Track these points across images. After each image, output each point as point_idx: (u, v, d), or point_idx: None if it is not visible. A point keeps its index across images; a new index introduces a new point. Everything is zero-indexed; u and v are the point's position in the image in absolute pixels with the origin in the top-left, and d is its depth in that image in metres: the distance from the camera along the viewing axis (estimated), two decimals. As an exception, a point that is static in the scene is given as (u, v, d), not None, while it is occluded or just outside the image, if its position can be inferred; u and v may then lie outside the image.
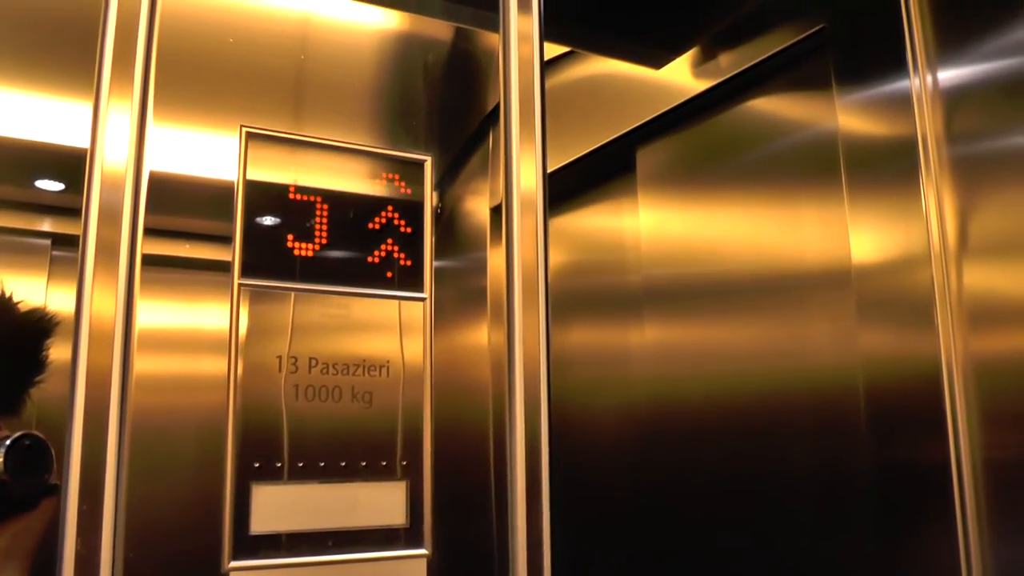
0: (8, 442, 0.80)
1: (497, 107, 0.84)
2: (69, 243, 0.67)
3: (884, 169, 0.90)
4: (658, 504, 1.20)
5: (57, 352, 0.87)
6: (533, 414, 0.77)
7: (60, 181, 0.86)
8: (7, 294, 0.86)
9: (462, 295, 1.08)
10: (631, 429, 1.26)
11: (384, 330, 0.94)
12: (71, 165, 0.79)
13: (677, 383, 1.19)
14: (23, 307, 0.86)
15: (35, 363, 0.86)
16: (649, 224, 1.26)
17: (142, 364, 0.75)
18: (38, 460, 0.81)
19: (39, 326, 0.86)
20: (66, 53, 0.86)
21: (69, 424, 0.58)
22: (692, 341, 1.18)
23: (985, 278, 0.82)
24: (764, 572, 1.03)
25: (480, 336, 1.11)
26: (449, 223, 1.06)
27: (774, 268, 1.06)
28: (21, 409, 0.85)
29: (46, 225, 0.87)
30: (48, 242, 0.86)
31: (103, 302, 0.61)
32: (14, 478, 0.80)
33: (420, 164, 0.99)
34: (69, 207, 0.86)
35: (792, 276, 1.04)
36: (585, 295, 1.42)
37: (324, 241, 0.91)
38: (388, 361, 0.93)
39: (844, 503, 0.93)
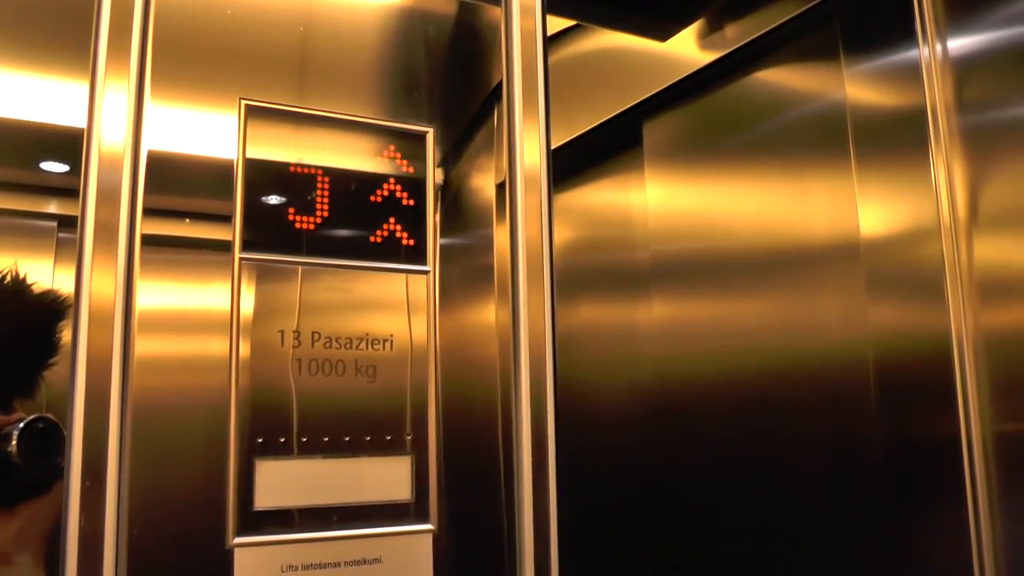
0: (22, 425, 0.81)
1: (501, 82, 0.84)
2: (75, 225, 0.68)
3: (893, 141, 0.89)
4: (665, 481, 1.20)
5: (67, 334, 0.87)
6: (539, 391, 0.77)
7: (65, 163, 0.86)
8: (21, 276, 0.86)
9: (468, 272, 1.08)
10: (638, 406, 1.26)
11: (387, 304, 0.93)
12: (75, 146, 0.79)
13: (685, 360, 1.19)
14: (36, 289, 0.87)
15: (49, 345, 0.86)
16: (656, 199, 1.25)
17: (143, 341, 0.76)
18: (51, 443, 0.81)
19: (52, 308, 0.87)
20: (70, 31, 0.86)
21: (71, 403, 0.59)
22: (700, 317, 1.18)
23: (996, 250, 0.81)
24: (773, 549, 1.03)
25: (487, 313, 1.10)
26: (454, 199, 1.05)
27: (782, 242, 1.05)
28: (36, 391, 0.85)
29: (52, 207, 0.87)
30: (54, 224, 0.87)
31: (103, 283, 0.62)
32: (27, 461, 0.81)
33: (422, 136, 0.98)
34: (75, 188, 0.86)
35: (801, 250, 1.03)
36: (592, 272, 1.41)
37: (326, 214, 0.90)
38: (391, 335, 0.92)
39: (853, 479, 0.93)
